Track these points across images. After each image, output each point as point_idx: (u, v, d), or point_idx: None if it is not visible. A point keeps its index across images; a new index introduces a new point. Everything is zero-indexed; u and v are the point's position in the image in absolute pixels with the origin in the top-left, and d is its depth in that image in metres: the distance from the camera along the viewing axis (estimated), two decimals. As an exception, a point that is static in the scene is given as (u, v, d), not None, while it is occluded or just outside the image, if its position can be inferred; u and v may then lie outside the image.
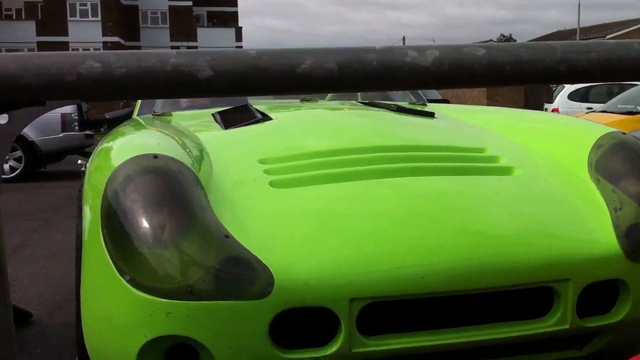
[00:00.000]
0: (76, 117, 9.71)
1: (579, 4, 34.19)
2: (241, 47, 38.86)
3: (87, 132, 11.18)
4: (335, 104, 3.39)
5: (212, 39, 37.92)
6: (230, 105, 2.87)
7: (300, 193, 1.89)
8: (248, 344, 1.60)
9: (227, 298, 1.58)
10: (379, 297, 1.63)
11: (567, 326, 1.71)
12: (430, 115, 2.77)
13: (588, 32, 39.18)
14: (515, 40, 78.22)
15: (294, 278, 1.60)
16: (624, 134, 2.10)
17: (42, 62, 0.82)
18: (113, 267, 1.68)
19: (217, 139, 2.36)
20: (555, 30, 56.40)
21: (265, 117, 2.56)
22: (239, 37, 38.99)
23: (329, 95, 4.14)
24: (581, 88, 13.67)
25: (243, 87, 0.88)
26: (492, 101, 20.00)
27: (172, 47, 36.76)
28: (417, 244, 1.70)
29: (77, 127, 9.70)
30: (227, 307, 1.58)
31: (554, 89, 16.02)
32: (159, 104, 3.26)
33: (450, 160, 2.11)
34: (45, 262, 4.51)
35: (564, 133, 2.35)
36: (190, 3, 38.01)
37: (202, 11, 40.23)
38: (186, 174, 1.79)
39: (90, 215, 1.86)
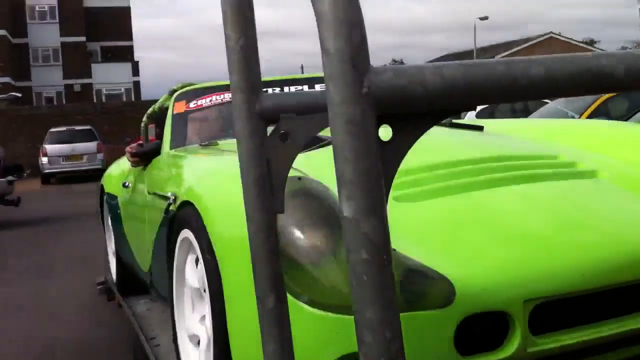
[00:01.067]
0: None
1: (475, 27, 36.01)
2: (138, 82, 38.24)
3: (10, 178, 10.69)
4: None
5: (107, 74, 37.07)
6: None
7: (430, 205, 1.94)
8: (434, 352, 1.63)
9: (414, 309, 1.61)
10: (549, 297, 1.70)
11: None
12: (480, 129, 2.89)
13: (492, 50, 41.27)
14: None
15: (472, 285, 1.64)
16: None
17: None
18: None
19: (308, 161, 2.37)
20: (446, 53, 58.77)
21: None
22: (135, 71, 38.31)
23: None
24: (487, 106, 14.36)
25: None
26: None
27: (66, 85, 35.68)
28: (570, 244, 1.80)
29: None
30: (415, 317, 1.61)
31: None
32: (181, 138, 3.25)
33: (540, 168, 2.22)
34: None
35: (620, 136, 2.54)
36: (83, 38, 37.03)
37: (95, 46, 39.21)
38: (328, 193, 1.82)
39: (239, 245, 1.84)
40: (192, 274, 2.26)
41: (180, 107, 3.37)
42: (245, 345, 1.83)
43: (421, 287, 1.62)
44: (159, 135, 3.70)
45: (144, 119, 4.15)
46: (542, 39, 45.42)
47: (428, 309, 1.60)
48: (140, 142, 3.43)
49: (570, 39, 46.61)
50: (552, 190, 2.05)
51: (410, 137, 0.83)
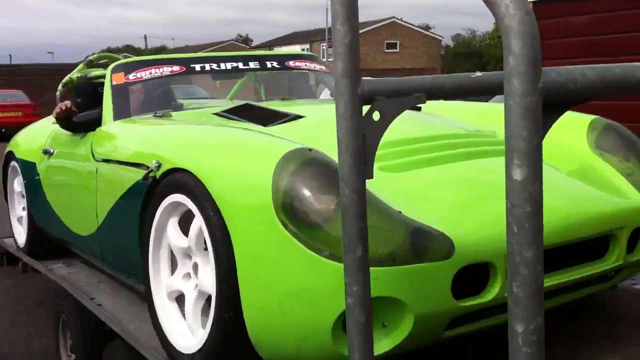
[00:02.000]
0: None
1: (327, 7, 36.68)
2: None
3: None
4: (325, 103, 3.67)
5: None
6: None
7: (413, 175, 2.26)
8: (436, 297, 1.94)
9: (421, 261, 1.90)
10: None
11: (622, 262, 2.33)
12: (419, 109, 3.23)
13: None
14: (252, 41, 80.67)
15: (464, 241, 1.97)
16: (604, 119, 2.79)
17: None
18: (302, 246, 1.92)
19: (286, 135, 2.58)
20: (293, 31, 59.44)
21: (298, 116, 2.83)
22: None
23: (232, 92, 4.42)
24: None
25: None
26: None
27: None
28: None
29: None
30: (422, 269, 1.90)
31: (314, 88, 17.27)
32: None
33: (487, 145, 2.61)
34: None
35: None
36: None
37: None
38: (333, 161, 2.07)
39: (249, 207, 2.03)
40: (175, 235, 2.41)
41: (119, 78, 3.43)
42: (255, 294, 2.03)
43: (427, 243, 1.92)
44: (81, 106, 3.71)
45: (60, 87, 4.12)
46: (385, 22, 47.25)
47: (432, 261, 1.91)
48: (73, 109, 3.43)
49: (411, 24, 48.89)
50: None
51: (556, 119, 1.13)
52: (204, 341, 2.21)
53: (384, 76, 20.89)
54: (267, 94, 4.25)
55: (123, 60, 3.61)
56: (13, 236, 4.51)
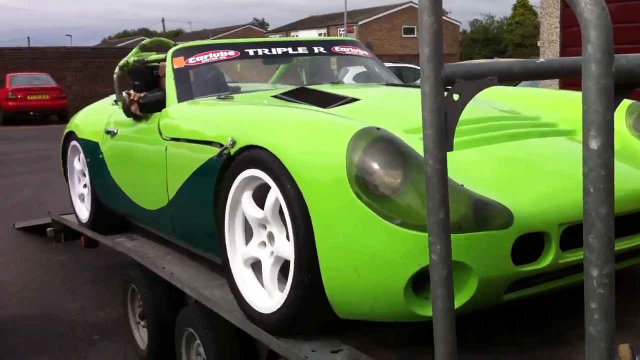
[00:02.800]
0: None
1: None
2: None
3: None
4: (374, 85, 3.88)
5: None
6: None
7: (469, 153, 2.48)
8: (497, 262, 2.17)
9: (484, 229, 2.13)
10: (574, 222, 2.29)
11: None
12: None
13: (354, 15, 42.08)
14: (268, 25, 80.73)
15: (522, 212, 2.20)
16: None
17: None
18: (375, 215, 2.15)
19: (347, 116, 2.81)
20: (309, 15, 59.35)
21: (354, 99, 3.06)
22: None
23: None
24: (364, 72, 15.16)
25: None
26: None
27: None
28: None
29: None
30: (485, 236, 2.13)
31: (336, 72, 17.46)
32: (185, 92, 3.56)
33: (536, 127, 2.84)
34: None
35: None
36: None
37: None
38: (399, 139, 2.30)
39: (324, 180, 2.27)
40: (250, 207, 2.65)
41: (180, 62, 3.67)
42: (332, 258, 2.26)
43: (488, 212, 2.15)
44: (139, 88, 3.96)
45: (116, 70, 4.37)
46: (402, 7, 47.12)
47: (494, 230, 2.14)
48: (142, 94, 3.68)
49: (428, 8, 48.45)
50: (554, 143, 2.68)
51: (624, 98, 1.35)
52: (282, 301, 2.46)
53: (403, 62, 20.93)
54: (308, 78, 4.48)
55: (182, 45, 3.84)
56: (74, 212, 4.79)
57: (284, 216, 2.47)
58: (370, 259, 2.18)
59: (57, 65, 24.55)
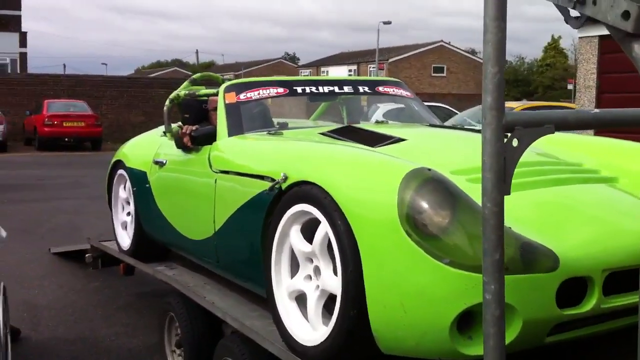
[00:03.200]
0: None
1: (378, 29, 37.36)
2: (25, 53, 36.60)
3: None
4: (420, 126, 3.97)
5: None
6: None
7: (514, 197, 2.54)
8: (542, 304, 2.21)
9: (531, 272, 2.18)
10: (617, 267, 2.34)
11: None
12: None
13: (385, 53, 42.49)
14: (299, 59, 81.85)
15: (567, 256, 2.25)
16: None
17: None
18: (425, 253, 2.21)
19: (395, 155, 2.88)
20: (338, 52, 60.15)
21: (400, 139, 3.14)
22: (23, 42, 36.56)
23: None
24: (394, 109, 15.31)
25: None
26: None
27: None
28: (628, 230, 2.46)
29: None
30: (531, 279, 2.17)
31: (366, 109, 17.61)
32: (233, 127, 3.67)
33: (578, 173, 2.89)
34: None
35: (631, 149, 3.23)
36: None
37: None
38: (448, 179, 2.37)
39: (375, 218, 2.33)
40: (299, 240, 2.72)
41: (231, 97, 3.79)
42: (380, 294, 2.31)
43: (535, 256, 2.20)
44: (189, 121, 4.08)
45: (167, 103, 4.51)
46: (433, 46, 47.46)
47: (540, 273, 2.19)
48: (195, 127, 3.80)
49: (458, 48, 49.02)
50: (596, 189, 2.73)
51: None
52: (327, 335, 2.51)
53: (433, 101, 21.04)
54: (348, 116, 4.58)
55: (234, 81, 3.97)
56: (116, 239, 4.90)
57: (331, 251, 2.54)
58: (417, 296, 2.24)
59: (93, 92, 25.04)
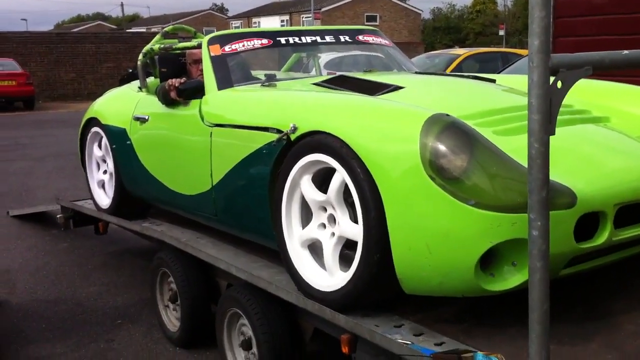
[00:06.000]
0: None
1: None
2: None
3: None
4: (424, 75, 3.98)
5: None
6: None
7: (524, 138, 2.63)
8: (562, 239, 2.32)
9: (551, 209, 2.29)
10: (628, 202, 2.47)
11: None
12: (494, 81, 3.62)
13: (316, 2, 41.97)
14: (227, 10, 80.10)
15: (582, 193, 2.36)
16: None
17: None
18: (450, 196, 2.28)
19: (402, 102, 2.92)
20: (270, 2, 59.11)
21: (398, 87, 3.18)
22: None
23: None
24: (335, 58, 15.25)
25: None
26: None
27: None
28: (632, 166, 2.59)
29: None
30: (552, 215, 2.27)
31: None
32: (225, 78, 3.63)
33: (567, 114, 3.00)
34: None
35: (618, 90, 3.36)
36: None
37: None
38: (466, 124, 2.44)
39: (397, 164, 2.38)
40: (311, 190, 2.75)
41: (216, 49, 3.73)
42: (404, 236, 2.38)
43: (555, 193, 2.30)
44: (166, 75, 4.01)
45: (140, 57, 4.41)
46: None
47: (560, 209, 2.29)
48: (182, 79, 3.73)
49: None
50: (590, 129, 2.85)
51: None
52: (348, 279, 2.57)
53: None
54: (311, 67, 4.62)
55: (218, 33, 3.90)
56: (93, 199, 4.81)
57: (346, 199, 2.59)
58: (443, 237, 2.31)
59: (20, 50, 24.02)
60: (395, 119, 2.54)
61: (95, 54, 25.42)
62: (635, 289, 2.78)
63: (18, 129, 14.85)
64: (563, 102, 3.12)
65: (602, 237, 2.44)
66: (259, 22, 52.76)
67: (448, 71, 10.55)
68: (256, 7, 58.97)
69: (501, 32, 37.22)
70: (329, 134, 2.61)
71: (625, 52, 1.95)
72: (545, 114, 1.80)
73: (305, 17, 45.26)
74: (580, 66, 1.84)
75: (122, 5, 56.93)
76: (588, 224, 2.42)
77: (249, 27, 49.91)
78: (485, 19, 50.25)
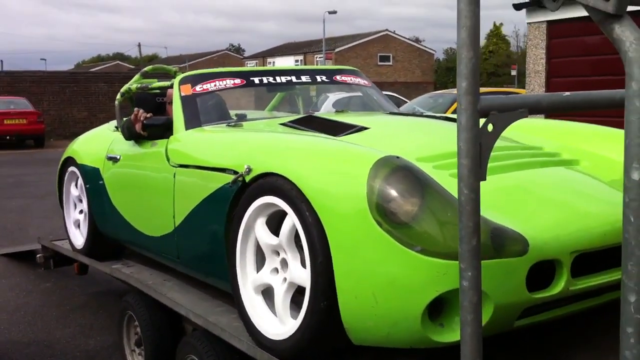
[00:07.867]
0: None
1: (324, 19, 37.42)
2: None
3: None
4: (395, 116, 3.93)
5: None
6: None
7: (487, 182, 2.54)
8: (513, 288, 2.21)
9: (501, 256, 2.19)
10: (586, 250, 2.36)
11: None
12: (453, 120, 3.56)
13: (331, 42, 42.53)
14: (244, 51, 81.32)
15: (536, 240, 2.26)
16: None
17: None
18: (395, 242, 2.18)
19: (361, 144, 2.85)
20: (284, 42, 59.90)
21: (363, 127, 3.11)
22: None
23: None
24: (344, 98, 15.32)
25: None
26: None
27: None
28: (592, 212, 2.48)
29: None
30: (502, 263, 2.17)
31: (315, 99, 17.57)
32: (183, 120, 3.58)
33: (540, 156, 2.91)
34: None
35: (590, 132, 3.27)
36: None
37: None
38: (417, 167, 2.35)
39: (344, 207, 2.29)
40: (264, 233, 2.67)
41: (187, 89, 3.70)
42: (350, 285, 2.28)
43: (505, 240, 2.20)
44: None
45: (118, 97, 4.39)
46: (378, 35, 47.71)
47: (511, 257, 2.19)
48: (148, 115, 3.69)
49: (403, 36, 49.39)
50: (557, 172, 2.75)
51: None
52: (296, 327, 2.47)
53: (381, 89, 21.13)
54: (304, 107, 4.55)
55: (189, 73, 3.87)
56: (69, 239, 4.75)
57: (298, 243, 2.49)
58: (389, 285, 2.21)
59: (34, 89, 24.36)
60: (345, 160, 2.46)
61: (108, 93, 25.70)
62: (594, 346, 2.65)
63: (25, 167, 14.94)
64: (532, 144, 3.11)
65: (558, 287, 2.32)
66: (273, 62, 53.31)
67: (451, 110, 10.51)
68: (272, 48, 59.71)
69: (513, 72, 37.32)
70: (280, 175, 2.54)
71: (567, 93, 1.88)
72: (475, 159, 1.71)
73: (319, 57, 45.68)
74: (513, 109, 1.76)
75: (139, 45, 57.79)
76: (543, 272, 2.31)
77: (264, 66, 50.39)
78: (498, 59, 50.50)
